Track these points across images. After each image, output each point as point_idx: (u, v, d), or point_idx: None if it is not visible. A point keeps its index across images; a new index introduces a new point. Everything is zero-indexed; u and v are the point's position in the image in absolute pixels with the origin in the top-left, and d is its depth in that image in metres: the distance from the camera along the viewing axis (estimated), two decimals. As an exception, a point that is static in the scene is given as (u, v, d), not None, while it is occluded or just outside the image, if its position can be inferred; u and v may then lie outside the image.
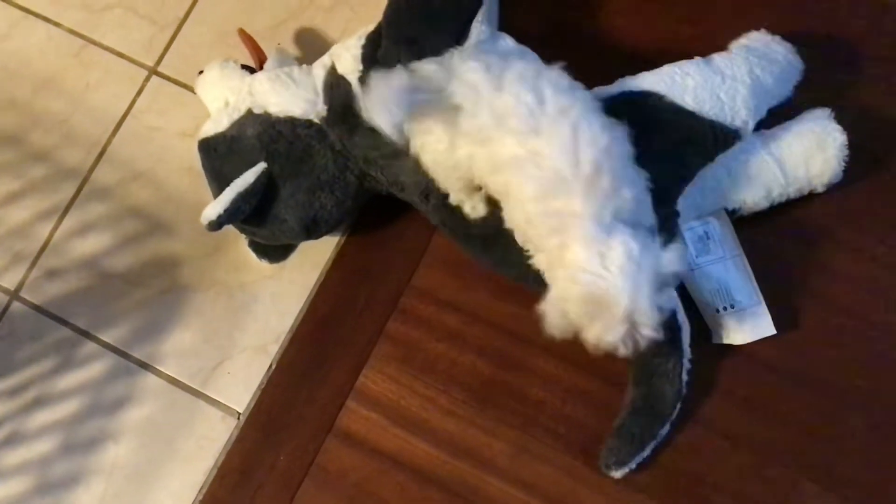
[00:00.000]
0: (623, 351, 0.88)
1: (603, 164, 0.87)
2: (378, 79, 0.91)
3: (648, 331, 0.87)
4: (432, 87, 0.92)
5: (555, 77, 0.91)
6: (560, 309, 0.88)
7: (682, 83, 1.01)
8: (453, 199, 1.04)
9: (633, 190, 0.90)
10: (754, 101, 1.01)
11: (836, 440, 1.06)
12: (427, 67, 0.93)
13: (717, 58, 1.03)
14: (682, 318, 1.04)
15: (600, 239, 0.85)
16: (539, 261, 0.94)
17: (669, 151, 1.00)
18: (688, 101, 1.00)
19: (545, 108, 0.88)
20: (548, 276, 0.93)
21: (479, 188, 1.00)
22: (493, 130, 0.89)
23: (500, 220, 0.98)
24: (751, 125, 1.02)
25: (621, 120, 0.92)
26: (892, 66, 1.17)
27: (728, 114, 1.00)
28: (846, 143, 1.06)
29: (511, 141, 0.89)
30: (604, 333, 0.87)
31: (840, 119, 1.07)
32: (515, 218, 0.95)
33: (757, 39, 1.07)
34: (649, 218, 0.93)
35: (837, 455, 1.06)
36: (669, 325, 1.01)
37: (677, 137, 1.01)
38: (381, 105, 0.90)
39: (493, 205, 1.00)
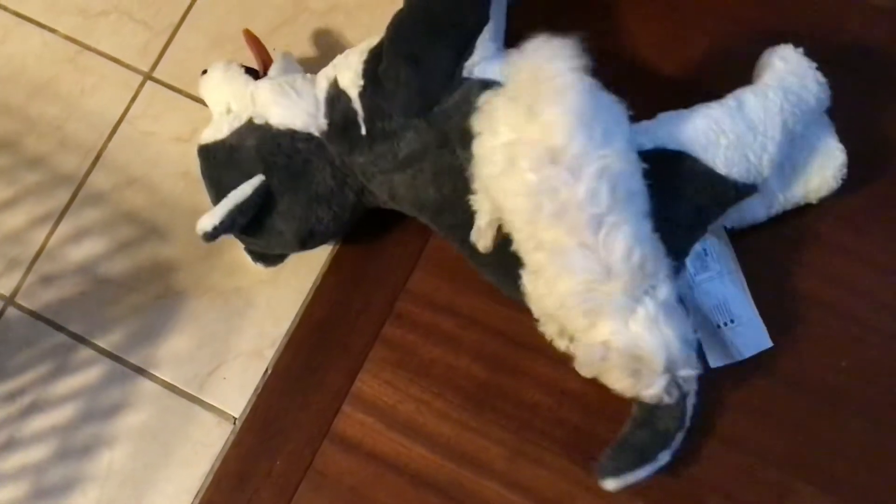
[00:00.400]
0: (668, 400, 0.91)
1: (648, 255, 0.89)
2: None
3: (687, 370, 0.90)
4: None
5: (627, 177, 0.89)
6: (598, 360, 0.90)
7: (715, 142, 0.98)
8: (478, 217, 1.00)
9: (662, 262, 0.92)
10: (779, 156, 1.00)
11: (833, 443, 1.06)
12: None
13: (752, 105, 0.99)
14: None
15: (629, 308, 0.88)
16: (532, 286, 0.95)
17: (692, 212, 1.00)
18: (718, 164, 0.98)
19: (613, 209, 0.87)
20: (566, 344, 0.96)
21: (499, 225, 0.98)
22: (550, 216, 0.87)
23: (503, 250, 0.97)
24: (768, 178, 1.01)
25: (650, 172, 0.93)
26: (890, 68, 1.17)
27: (752, 173, 0.99)
28: (846, 161, 1.05)
29: (563, 229, 0.87)
30: (647, 388, 0.90)
31: (837, 120, 1.06)
32: (540, 290, 0.93)
33: (793, 69, 1.02)
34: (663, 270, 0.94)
35: (834, 457, 1.06)
36: None
37: (702, 200, 1.00)
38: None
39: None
